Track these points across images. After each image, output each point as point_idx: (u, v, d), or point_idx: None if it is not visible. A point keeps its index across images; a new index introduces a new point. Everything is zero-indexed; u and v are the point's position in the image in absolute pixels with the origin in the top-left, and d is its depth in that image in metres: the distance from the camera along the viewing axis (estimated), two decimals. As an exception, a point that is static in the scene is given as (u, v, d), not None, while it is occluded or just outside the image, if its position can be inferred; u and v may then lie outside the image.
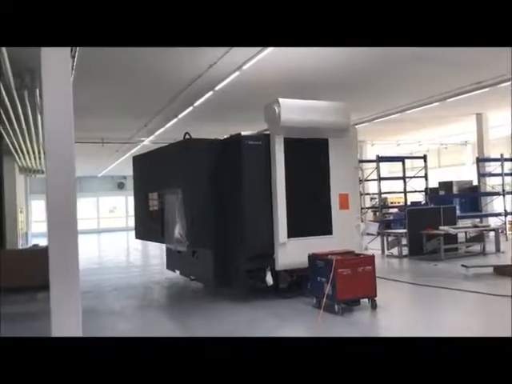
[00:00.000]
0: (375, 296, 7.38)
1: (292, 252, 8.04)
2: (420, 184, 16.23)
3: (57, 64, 4.85)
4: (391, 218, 18.19)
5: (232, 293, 8.61)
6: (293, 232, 8.17)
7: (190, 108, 13.82)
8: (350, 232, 8.53)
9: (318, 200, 8.47)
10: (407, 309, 8.20)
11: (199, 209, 8.28)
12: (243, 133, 8.17)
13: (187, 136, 9.17)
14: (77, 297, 4.78)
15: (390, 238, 14.44)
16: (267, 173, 8.18)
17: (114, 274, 13.10)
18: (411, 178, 15.78)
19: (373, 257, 7.48)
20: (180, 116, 14.83)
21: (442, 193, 18.45)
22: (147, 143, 19.04)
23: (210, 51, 9.03)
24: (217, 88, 11.69)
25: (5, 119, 11.10)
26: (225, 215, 8.34)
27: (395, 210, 19.14)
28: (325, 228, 8.43)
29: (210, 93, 12.14)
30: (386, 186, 17.11)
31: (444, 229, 13.18)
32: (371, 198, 20.85)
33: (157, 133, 17.36)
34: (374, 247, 14.91)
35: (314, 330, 6.41)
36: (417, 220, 13.56)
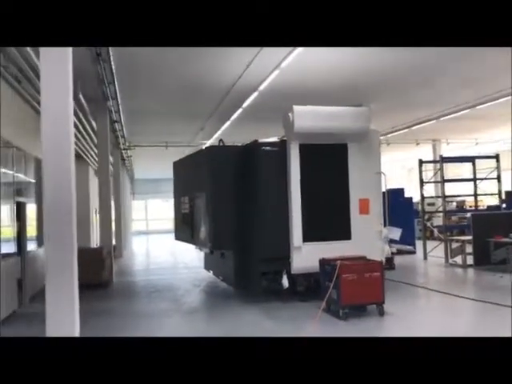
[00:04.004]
0: (383, 302, 7.84)
1: (308, 256, 8.71)
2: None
3: (56, 64, 5.40)
4: (465, 223, 17.82)
5: (248, 294, 9.46)
6: (309, 236, 8.85)
7: (240, 110, 14.92)
8: (370, 237, 9.00)
9: (336, 205, 9.06)
10: (421, 319, 8.12)
11: (220, 211, 9.23)
12: (260, 139, 9.03)
13: (221, 143, 10.31)
14: (74, 296, 5.29)
15: (453, 245, 14.37)
16: (284, 178, 8.95)
17: (164, 274, 14.55)
18: (482, 179, 15.44)
19: (381, 262, 7.95)
20: (232, 118, 16.02)
21: (523, 196, 17.68)
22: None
23: (245, 51, 9.77)
24: (261, 88, 12.64)
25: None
26: (245, 218, 9.22)
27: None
28: (343, 233, 9.00)
29: (256, 93, 13.12)
30: (464, 188, 16.82)
31: (514, 236, 12.88)
32: (448, 202, 20.46)
33: (215, 135, 18.71)
34: (439, 255, 14.95)
35: (305, 330, 7.10)
36: (484, 226, 13.28)
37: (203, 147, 10.13)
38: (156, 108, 15.21)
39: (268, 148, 8.98)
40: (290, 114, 8.77)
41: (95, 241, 22.77)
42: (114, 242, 19.53)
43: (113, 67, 10.14)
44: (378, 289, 7.82)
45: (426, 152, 23.10)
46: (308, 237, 8.86)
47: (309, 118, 8.76)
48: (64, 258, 5.38)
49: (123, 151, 21.09)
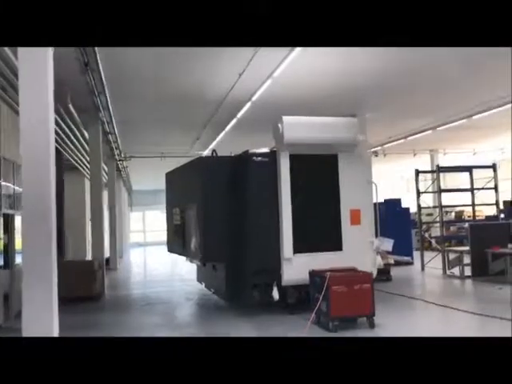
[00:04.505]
0: (373, 315, 7.75)
1: (298, 268, 8.64)
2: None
3: (36, 65, 5.20)
4: (463, 233, 17.74)
5: (240, 307, 9.40)
6: (300, 248, 8.79)
7: (234, 120, 14.92)
8: (361, 248, 8.95)
9: (327, 216, 9.02)
10: (413, 332, 7.83)
11: (212, 223, 9.17)
12: (251, 150, 9.01)
13: (214, 154, 10.31)
14: (53, 310, 5.10)
15: (451, 256, 14.28)
16: (275, 189, 8.91)
17: (158, 287, 14.47)
18: (479, 189, 15.40)
19: (370, 274, 7.87)
20: (227, 128, 16.01)
21: (522, 206, 17.63)
22: (205, 157, 20.49)
23: (238, 60, 9.72)
24: (254, 99, 12.64)
25: (62, 135, 12.85)
26: (236, 230, 9.15)
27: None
28: (334, 244, 8.95)
29: (249, 104, 13.13)
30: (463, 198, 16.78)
31: (512, 247, 12.79)
32: (446, 212, 20.40)
33: (211, 146, 18.70)
34: (436, 266, 14.84)
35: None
36: (481, 237, 13.22)
37: (195, 158, 10.11)
38: (150, 118, 15.21)
39: (259, 158, 8.96)
40: (279, 125, 8.77)
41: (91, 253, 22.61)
42: (108, 254, 19.45)
43: (102, 77, 10.13)
44: (368, 301, 7.74)
45: (424, 162, 23.08)
46: (299, 248, 8.80)
47: (298, 128, 8.77)
48: (42, 270, 5.17)
49: (119, 162, 21.08)
